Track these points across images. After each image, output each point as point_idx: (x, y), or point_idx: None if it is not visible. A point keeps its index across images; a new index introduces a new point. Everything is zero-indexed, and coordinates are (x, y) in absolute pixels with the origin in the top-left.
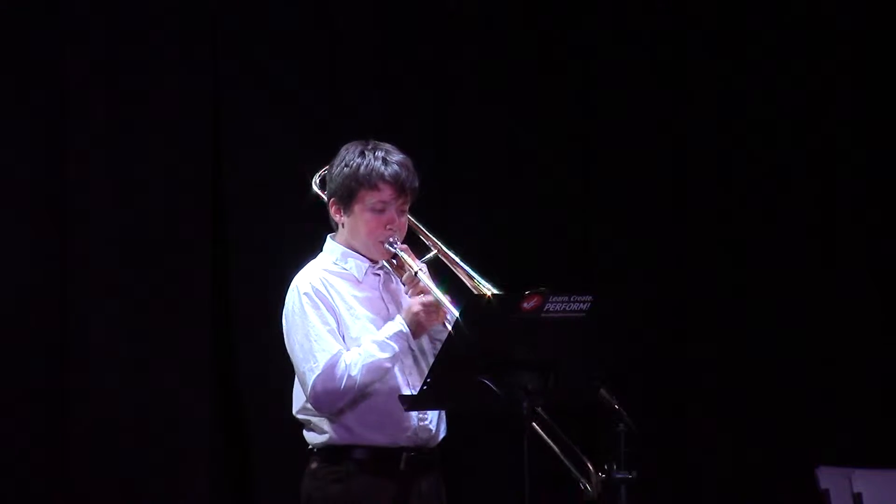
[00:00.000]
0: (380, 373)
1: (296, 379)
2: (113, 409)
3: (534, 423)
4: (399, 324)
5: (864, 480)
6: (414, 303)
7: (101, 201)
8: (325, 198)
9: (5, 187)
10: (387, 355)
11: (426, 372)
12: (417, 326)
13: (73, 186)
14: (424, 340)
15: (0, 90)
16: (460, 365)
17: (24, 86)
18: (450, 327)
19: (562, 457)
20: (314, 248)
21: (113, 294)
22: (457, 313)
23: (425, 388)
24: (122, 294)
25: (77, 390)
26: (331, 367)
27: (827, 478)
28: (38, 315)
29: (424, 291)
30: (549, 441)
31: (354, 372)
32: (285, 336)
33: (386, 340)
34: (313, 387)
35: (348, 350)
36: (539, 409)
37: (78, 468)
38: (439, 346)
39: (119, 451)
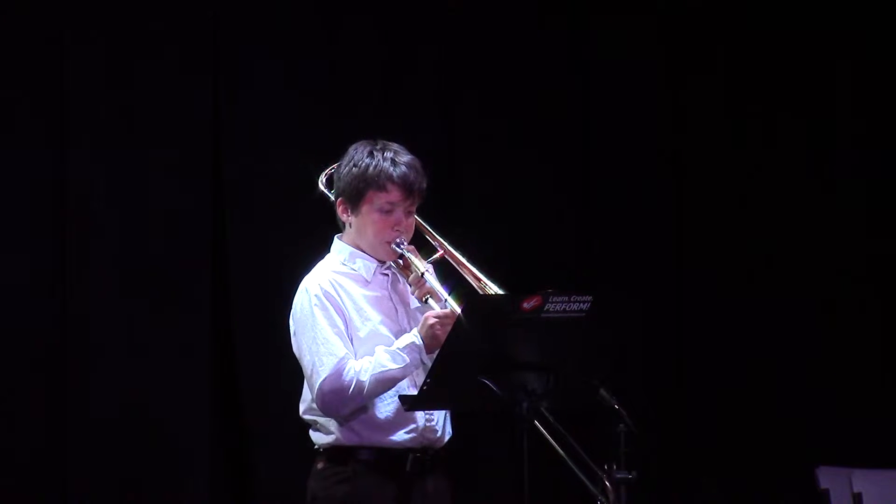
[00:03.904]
0: (389, 384)
1: (305, 380)
2: (113, 409)
3: (550, 438)
4: (413, 336)
5: (864, 480)
6: (429, 315)
7: (101, 201)
8: (332, 197)
9: (5, 187)
10: (397, 366)
11: None
12: (433, 339)
13: (73, 186)
14: None
15: (0, 90)
16: (460, 365)
17: (25, 86)
18: None
19: (577, 471)
20: (315, 248)
21: (113, 294)
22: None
23: (425, 388)
24: (122, 294)
25: (77, 390)
26: (339, 371)
27: (827, 478)
28: (38, 315)
29: (430, 292)
30: (563, 454)
31: (364, 378)
32: (293, 337)
33: (398, 351)
34: (321, 388)
35: (356, 352)
36: (552, 420)
37: (78, 468)
38: None
39: (119, 450)
